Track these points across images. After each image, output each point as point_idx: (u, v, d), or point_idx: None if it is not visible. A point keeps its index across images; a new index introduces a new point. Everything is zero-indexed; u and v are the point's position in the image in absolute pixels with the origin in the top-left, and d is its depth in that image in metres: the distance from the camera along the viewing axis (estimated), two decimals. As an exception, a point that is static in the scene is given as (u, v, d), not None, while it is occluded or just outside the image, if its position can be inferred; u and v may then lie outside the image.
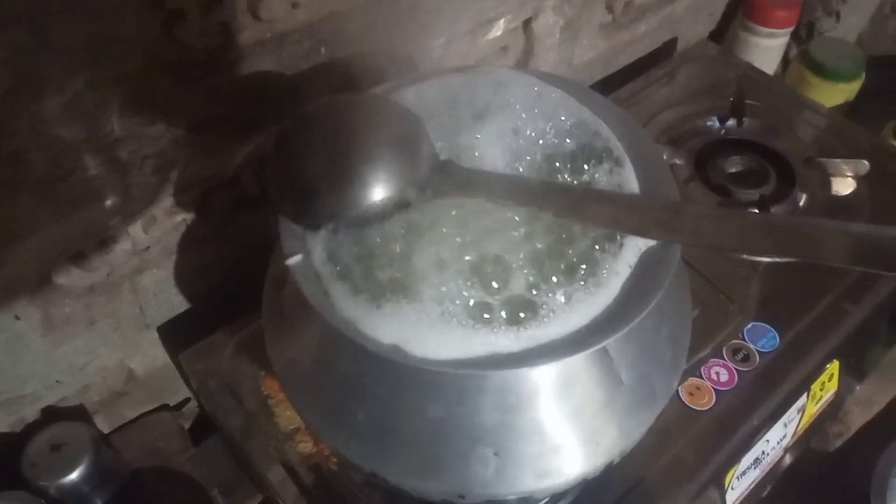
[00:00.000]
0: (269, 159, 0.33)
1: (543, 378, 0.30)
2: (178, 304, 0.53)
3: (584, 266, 0.30)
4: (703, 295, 0.52)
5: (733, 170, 0.64)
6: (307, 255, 0.31)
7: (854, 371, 0.57)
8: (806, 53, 0.83)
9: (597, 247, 0.31)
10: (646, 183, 0.34)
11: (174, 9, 0.36)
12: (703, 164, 0.64)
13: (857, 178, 0.63)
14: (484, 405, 0.30)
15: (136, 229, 0.46)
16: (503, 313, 0.28)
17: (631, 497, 0.43)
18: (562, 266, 0.30)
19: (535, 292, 0.29)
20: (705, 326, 0.51)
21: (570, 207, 0.32)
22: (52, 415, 0.52)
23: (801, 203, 0.61)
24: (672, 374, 0.34)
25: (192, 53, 0.39)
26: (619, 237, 0.31)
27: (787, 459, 0.55)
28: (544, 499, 0.40)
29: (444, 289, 0.29)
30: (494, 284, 0.29)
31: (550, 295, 0.29)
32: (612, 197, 0.33)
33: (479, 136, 0.34)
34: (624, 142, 0.35)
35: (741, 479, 0.48)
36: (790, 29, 0.84)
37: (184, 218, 0.48)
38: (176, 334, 0.53)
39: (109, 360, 0.52)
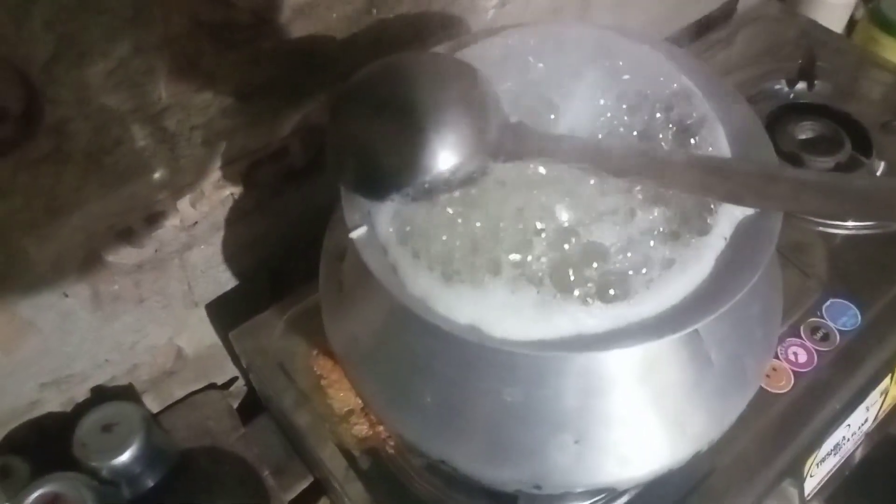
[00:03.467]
0: (328, 126, 0.30)
1: (628, 359, 0.28)
2: (225, 280, 0.51)
3: (676, 239, 0.27)
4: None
5: (804, 136, 0.60)
6: (371, 227, 0.28)
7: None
8: (876, 11, 0.78)
9: (690, 217, 0.28)
10: (738, 145, 0.30)
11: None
12: (771, 130, 0.60)
13: (940, 143, 0.58)
14: (565, 388, 0.28)
15: (184, 204, 0.44)
16: (589, 290, 0.26)
17: (704, 486, 0.41)
18: (652, 239, 0.27)
19: (622, 267, 0.27)
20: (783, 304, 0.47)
21: (655, 173, 0.29)
22: (101, 394, 0.51)
23: (879, 171, 0.57)
24: (764, 354, 0.32)
25: (237, 14, 0.37)
26: (712, 206, 0.28)
27: (867, 446, 0.51)
28: (624, 491, 0.38)
29: (524, 263, 0.26)
30: (579, 259, 0.26)
31: (640, 271, 0.26)
32: (702, 161, 0.30)
33: (551, 96, 0.31)
34: (712, 101, 0.32)
35: (820, 467, 0.45)
36: (859, -15, 0.79)
37: (231, 192, 0.46)
38: (224, 312, 0.52)
39: (158, 339, 0.51)
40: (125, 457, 0.45)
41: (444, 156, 0.28)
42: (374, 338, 0.31)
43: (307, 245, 0.39)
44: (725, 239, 0.28)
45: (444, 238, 0.27)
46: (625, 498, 0.40)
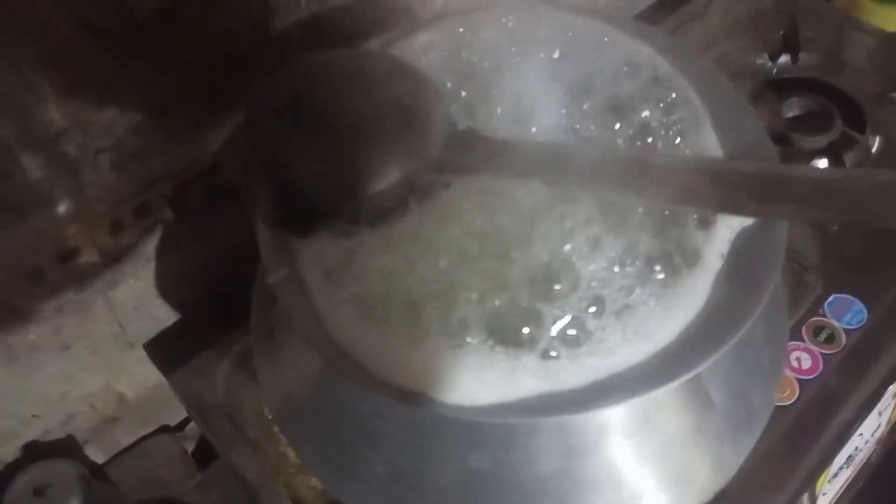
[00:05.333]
0: (238, 145, 0.25)
1: (615, 411, 0.23)
2: (163, 316, 0.46)
3: (659, 264, 0.22)
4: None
5: (792, 114, 0.55)
6: (295, 268, 0.23)
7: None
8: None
9: (674, 234, 0.23)
10: (730, 141, 0.26)
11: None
12: (755, 109, 0.55)
13: (938, 114, 0.54)
14: (540, 450, 0.23)
15: (101, 237, 0.39)
16: (558, 339, 0.21)
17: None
18: (631, 266, 0.22)
19: (596, 308, 0.22)
20: (780, 304, 0.43)
21: (633, 181, 0.24)
22: (35, 451, 0.46)
23: (875, 148, 0.53)
24: (771, 384, 0.27)
25: (134, 12, 0.31)
26: (706, 217, 0.23)
27: (879, 455, 0.47)
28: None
29: (477, 308, 0.21)
30: (544, 299, 0.21)
31: (620, 311, 0.21)
32: (687, 163, 0.25)
33: (506, 94, 0.26)
34: (695, 86, 0.27)
35: (832, 483, 0.41)
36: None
37: (158, 219, 0.41)
38: (165, 350, 0.46)
39: (92, 386, 0.46)
40: (62, 522, 0.40)
41: (378, 176, 0.23)
42: (311, 396, 0.26)
43: (252, 272, 0.34)
44: (722, 257, 0.23)
45: (380, 284, 0.22)
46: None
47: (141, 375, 0.48)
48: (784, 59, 0.59)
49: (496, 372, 0.20)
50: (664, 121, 0.26)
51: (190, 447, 0.54)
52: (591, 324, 0.21)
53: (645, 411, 0.23)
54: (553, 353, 0.21)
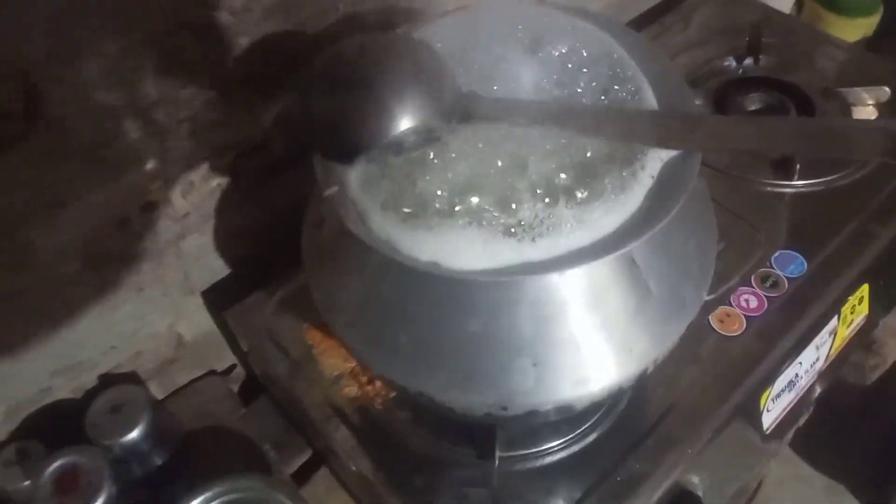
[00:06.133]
0: (300, 101, 0.34)
1: (574, 288, 0.32)
2: (219, 268, 0.55)
3: (607, 179, 0.31)
4: (729, 227, 0.53)
5: (753, 107, 0.64)
6: (343, 186, 0.32)
7: (885, 295, 0.57)
8: (820, -9, 0.83)
9: (619, 160, 0.32)
10: (666, 103, 0.34)
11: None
12: (722, 103, 0.64)
13: (878, 105, 0.63)
14: (520, 317, 0.31)
15: (175, 195, 0.48)
16: (531, 226, 0.30)
17: (669, 420, 0.44)
18: (587, 180, 0.31)
19: (561, 206, 0.30)
20: (733, 257, 0.51)
21: (591, 125, 0.33)
22: (108, 382, 0.54)
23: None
24: (700, 286, 0.35)
25: (215, 13, 0.41)
26: (641, 150, 0.32)
27: (822, 385, 0.55)
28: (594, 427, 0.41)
29: (473, 207, 0.30)
30: (521, 200, 0.30)
31: (577, 207, 0.30)
32: (631, 113, 0.34)
33: (500, 68, 0.35)
34: (643, 66, 0.36)
35: (776, 402, 0.49)
36: (803, -33, 0.84)
37: (219, 183, 0.50)
38: (220, 298, 0.55)
39: (159, 326, 0.54)
40: (134, 434, 0.48)
41: (402, 120, 0.32)
42: (352, 289, 0.35)
43: (294, 233, 0.42)
44: (653, 177, 0.32)
45: (405, 190, 0.31)
46: (594, 434, 0.44)
47: (198, 320, 0.56)
48: (748, 61, 0.68)
49: (484, 247, 0.29)
50: (617, 87, 0.35)
51: (235, 388, 0.62)
52: (558, 217, 0.30)
53: (598, 290, 0.32)
54: (528, 238, 0.29)
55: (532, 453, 0.43)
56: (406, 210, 0.31)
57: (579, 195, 0.31)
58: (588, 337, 0.32)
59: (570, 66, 0.36)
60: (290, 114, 0.49)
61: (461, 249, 0.29)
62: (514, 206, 0.30)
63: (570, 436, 0.44)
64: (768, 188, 0.57)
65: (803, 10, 0.85)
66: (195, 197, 0.49)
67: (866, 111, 0.63)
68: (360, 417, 0.46)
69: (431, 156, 0.32)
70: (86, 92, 0.39)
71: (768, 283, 0.50)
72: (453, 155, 0.32)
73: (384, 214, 0.31)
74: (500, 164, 0.31)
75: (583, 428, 0.44)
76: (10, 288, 0.43)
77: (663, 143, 0.33)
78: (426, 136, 0.32)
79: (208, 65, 0.43)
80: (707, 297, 0.48)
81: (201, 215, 0.51)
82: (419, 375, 0.33)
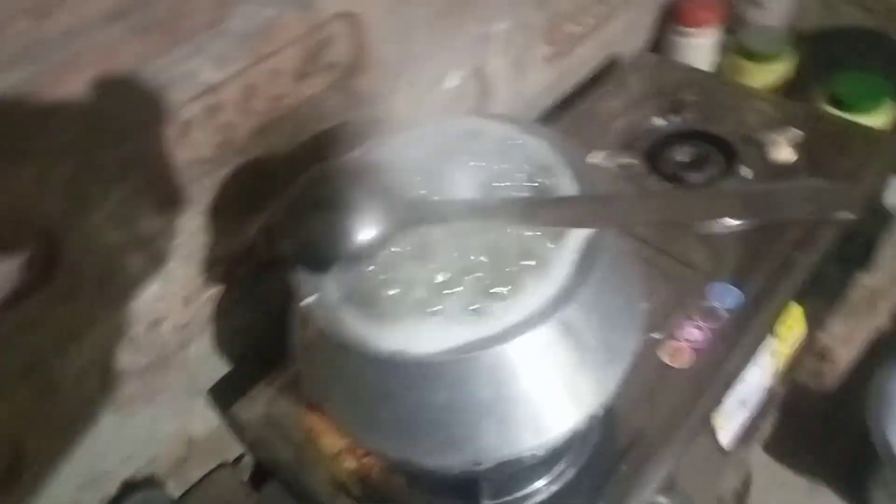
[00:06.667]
0: (281, 224, 0.41)
1: (522, 353, 0.38)
2: (221, 366, 0.61)
3: (538, 257, 0.38)
4: (668, 269, 0.59)
5: (682, 159, 0.72)
6: (320, 294, 0.39)
7: (819, 310, 0.63)
8: (737, 43, 0.92)
9: (548, 244, 0.39)
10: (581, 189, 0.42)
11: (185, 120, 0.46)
12: (655, 159, 0.72)
13: (794, 145, 0.70)
14: (480, 384, 0.37)
15: (177, 307, 0.54)
16: (478, 308, 0.36)
17: (634, 451, 0.50)
18: (522, 262, 0.38)
19: (503, 286, 0.37)
20: (674, 295, 0.58)
21: (522, 215, 0.40)
22: (129, 487, 0.59)
23: (748, 177, 0.69)
24: (631, 336, 0.42)
25: (203, 150, 0.48)
26: (565, 232, 0.39)
27: (778, 396, 0.61)
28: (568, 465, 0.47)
29: (428, 299, 0.37)
30: (468, 287, 0.37)
31: (516, 285, 0.37)
32: (554, 201, 0.40)
33: (445, 175, 0.42)
34: (565, 159, 0.43)
35: (731, 420, 0.54)
36: (718, 26, 0.93)
37: (214, 292, 0.56)
38: (224, 393, 0.61)
39: (171, 428, 0.60)
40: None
41: (363, 232, 0.39)
42: (336, 379, 0.41)
43: (285, 327, 0.48)
44: (576, 253, 0.38)
45: (372, 293, 0.37)
46: (572, 471, 0.49)
47: (206, 417, 0.62)
48: (675, 118, 0.76)
49: (442, 331, 0.35)
50: (540, 181, 0.42)
51: (244, 477, 0.67)
52: (498, 297, 0.36)
53: (539, 351, 0.38)
54: (473, 315, 0.36)
55: (517, 498, 0.49)
56: (374, 309, 0.37)
57: (518, 275, 0.37)
58: (540, 392, 0.38)
59: (502, 166, 0.43)
60: (270, 224, 0.56)
61: (423, 336, 0.36)
62: (462, 292, 0.36)
63: (551, 477, 0.49)
64: (701, 229, 0.64)
65: (726, 63, 0.94)
66: (194, 307, 0.56)
67: (785, 151, 0.71)
68: (361, 487, 0.51)
69: (392, 259, 0.38)
70: (95, 235, 0.45)
71: (709, 316, 0.57)
72: (410, 257, 0.38)
73: (356, 314, 0.37)
74: (451, 257, 0.38)
75: (561, 468, 0.49)
76: (38, 414, 0.48)
77: (582, 224, 0.39)
78: (385, 243, 0.39)
79: (200, 195, 0.50)
80: (657, 336, 0.55)
81: (201, 322, 0.57)
82: (401, 446, 0.39)
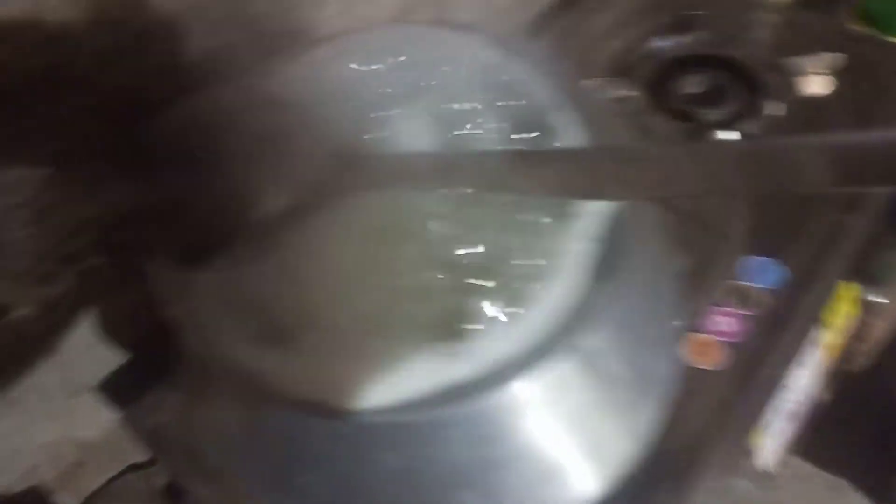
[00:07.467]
0: (136, 185, 0.26)
1: (519, 397, 0.25)
2: (112, 358, 0.47)
3: (532, 257, 0.24)
4: (686, 236, 0.46)
5: (692, 90, 0.58)
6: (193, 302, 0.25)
7: (874, 286, 0.52)
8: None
9: (546, 221, 0.25)
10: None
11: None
12: (659, 90, 0.58)
13: (834, 73, 0.57)
14: (452, 442, 0.24)
15: (32, 289, 0.40)
16: (446, 334, 0.22)
17: (647, 490, 0.38)
18: (508, 262, 0.24)
19: (475, 302, 0.23)
20: (697, 273, 0.45)
21: (504, 177, 0.25)
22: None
23: (782, 114, 0.55)
24: (674, 345, 0.29)
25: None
26: (571, 206, 0.25)
27: (821, 397, 0.50)
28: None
29: (373, 318, 0.23)
30: (427, 300, 0.23)
31: (497, 300, 0.23)
32: (551, 156, 0.26)
33: (388, 116, 0.27)
34: (565, 90, 0.28)
35: (771, 435, 0.43)
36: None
37: (89, 264, 0.42)
38: (117, 390, 0.47)
39: (48, 435, 0.47)
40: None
41: (264, 202, 0.24)
42: (236, 422, 0.27)
43: None
44: (591, 240, 0.25)
45: (271, 301, 0.23)
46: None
47: (97, 418, 0.49)
48: (681, 38, 0.61)
49: (395, 372, 0.22)
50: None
51: (161, 482, 0.55)
52: (476, 317, 0.23)
53: (548, 388, 0.25)
54: (444, 350, 0.22)
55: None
56: (276, 329, 0.23)
57: (501, 285, 0.23)
58: (548, 446, 0.25)
59: (469, 101, 0.28)
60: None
61: (360, 379, 0.22)
62: (417, 312, 0.23)
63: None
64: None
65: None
66: (60, 286, 0.41)
67: (822, 82, 0.57)
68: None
69: (302, 249, 0.24)
70: None
71: (742, 300, 0.44)
72: (332, 244, 0.24)
73: (249, 336, 0.23)
74: (398, 250, 0.24)
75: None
76: None
77: (596, 194, 0.25)
78: (293, 220, 0.25)
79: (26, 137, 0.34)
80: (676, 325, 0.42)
81: (76, 302, 0.43)
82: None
